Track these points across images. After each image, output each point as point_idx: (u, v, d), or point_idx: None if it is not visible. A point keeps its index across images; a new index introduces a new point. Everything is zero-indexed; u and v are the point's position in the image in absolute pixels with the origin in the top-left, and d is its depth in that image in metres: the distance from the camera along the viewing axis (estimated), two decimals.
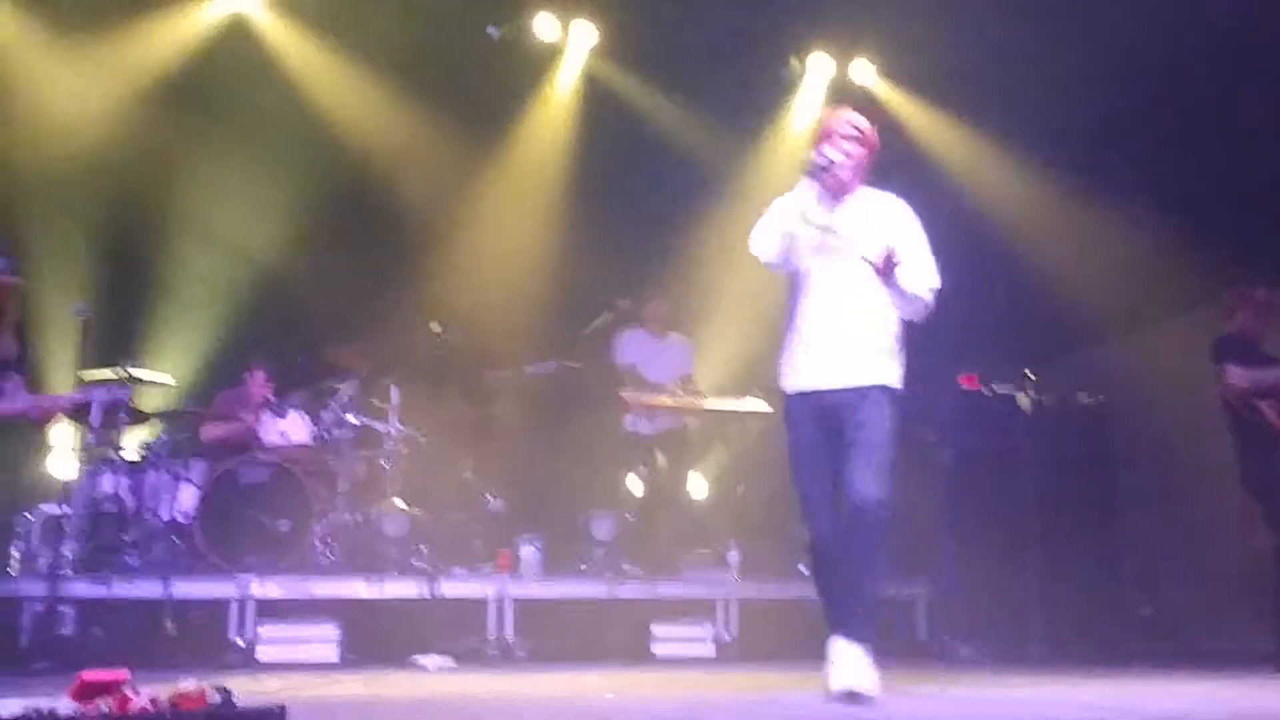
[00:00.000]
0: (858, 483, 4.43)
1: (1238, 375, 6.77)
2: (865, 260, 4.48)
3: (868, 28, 9.87)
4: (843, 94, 10.23)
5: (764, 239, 4.60)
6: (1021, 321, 9.40)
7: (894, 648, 7.74)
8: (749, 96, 10.05)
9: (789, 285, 4.78)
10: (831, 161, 4.57)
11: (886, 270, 4.45)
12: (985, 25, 8.77)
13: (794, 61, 10.17)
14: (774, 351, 4.83)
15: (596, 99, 9.91)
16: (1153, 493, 8.89)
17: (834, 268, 4.63)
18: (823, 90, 10.28)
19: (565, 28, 9.70)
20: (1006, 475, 8.37)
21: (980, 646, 7.66)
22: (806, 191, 4.55)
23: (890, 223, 4.71)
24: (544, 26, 9.62)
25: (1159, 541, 8.82)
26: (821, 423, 4.61)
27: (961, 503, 8.35)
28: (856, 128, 4.76)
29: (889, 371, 4.65)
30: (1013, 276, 9.51)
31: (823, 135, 4.74)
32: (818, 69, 10.23)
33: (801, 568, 8.40)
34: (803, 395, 4.67)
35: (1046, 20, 8.58)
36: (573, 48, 9.87)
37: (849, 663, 4.26)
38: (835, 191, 4.70)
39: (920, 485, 8.72)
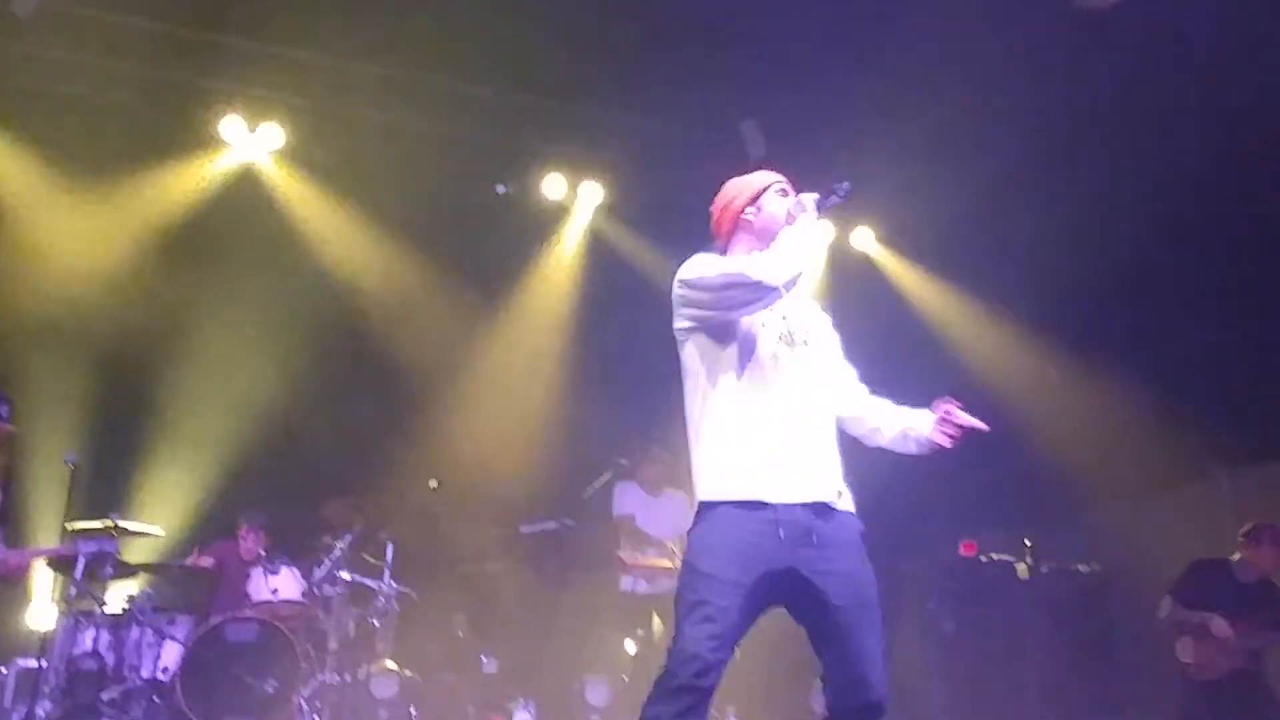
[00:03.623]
0: (876, 671, 3.46)
1: None
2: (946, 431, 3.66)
3: (867, 194, 9.97)
4: (844, 259, 10.33)
5: (786, 260, 3.63)
6: (1021, 487, 9.28)
7: None
8: None
9: (711, 370, 3.76)
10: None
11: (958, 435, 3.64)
12: (984, 194, 8.89)
13: None
14: None
15: (602, 256, 9.93)
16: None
17: (798, 359, 3.70)
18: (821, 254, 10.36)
19: (573, 187, 9.80)
20: (1006, 643, 8.30)
21: None
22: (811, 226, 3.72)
23: (824, 319, 3.95)
24: (552, 186, 9.72)
25: None
26: (774, 543, 3.46)
27: (961, 670, 8.27)
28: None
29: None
30: (1012, 442, 9.42)
31: (783, 190, 3.88)
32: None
33: None
34: (759, 506, 3.51)
35: (1045, 190, 8.71)
36: (580, 206, 9.96)
37: None
38: None
39: (920, 653, 8.56)
